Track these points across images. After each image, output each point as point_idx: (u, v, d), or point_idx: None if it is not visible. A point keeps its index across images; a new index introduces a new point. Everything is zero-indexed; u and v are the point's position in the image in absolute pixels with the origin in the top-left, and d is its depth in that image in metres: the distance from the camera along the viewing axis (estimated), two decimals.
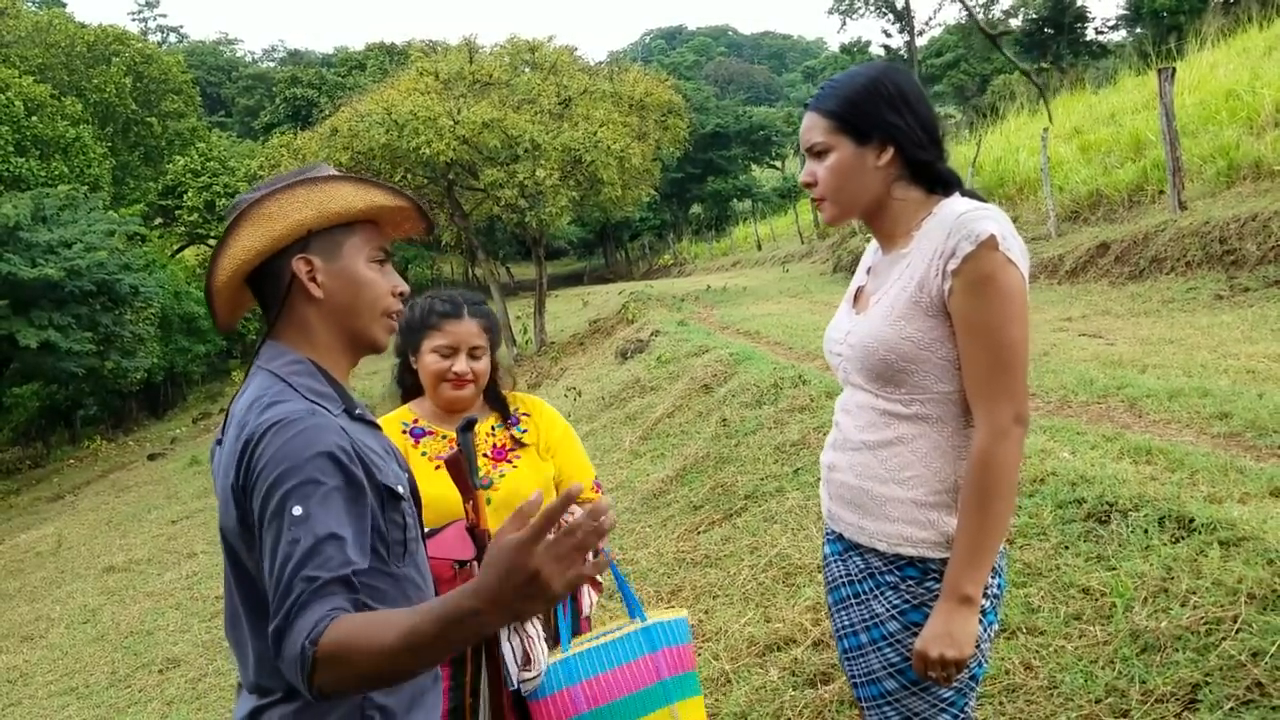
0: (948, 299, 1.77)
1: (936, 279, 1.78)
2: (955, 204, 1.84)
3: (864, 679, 1.93)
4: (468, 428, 2.01)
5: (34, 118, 31.35)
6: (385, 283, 1.69)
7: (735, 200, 51.87)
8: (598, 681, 2.32)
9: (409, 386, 2.57)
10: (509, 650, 2.27)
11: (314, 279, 1.63)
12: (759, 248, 34.58)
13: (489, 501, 2.34)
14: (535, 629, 2.32)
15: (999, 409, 1.74)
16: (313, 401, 1.56)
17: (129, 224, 27.03)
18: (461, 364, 2.41)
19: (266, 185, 1.66)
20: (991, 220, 1.75)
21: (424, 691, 1.68)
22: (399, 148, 17.71)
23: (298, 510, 1.41)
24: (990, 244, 1.72)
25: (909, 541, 1.85)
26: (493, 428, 2.54)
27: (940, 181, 1.90)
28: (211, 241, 38.59)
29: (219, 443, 1.64)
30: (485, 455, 2.47)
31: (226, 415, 1.64)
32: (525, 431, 2.58)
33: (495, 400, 2.61)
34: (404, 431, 2.48)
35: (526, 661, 2.27)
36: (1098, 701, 2.88)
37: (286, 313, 1.65)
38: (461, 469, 1.95)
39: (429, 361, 2.43)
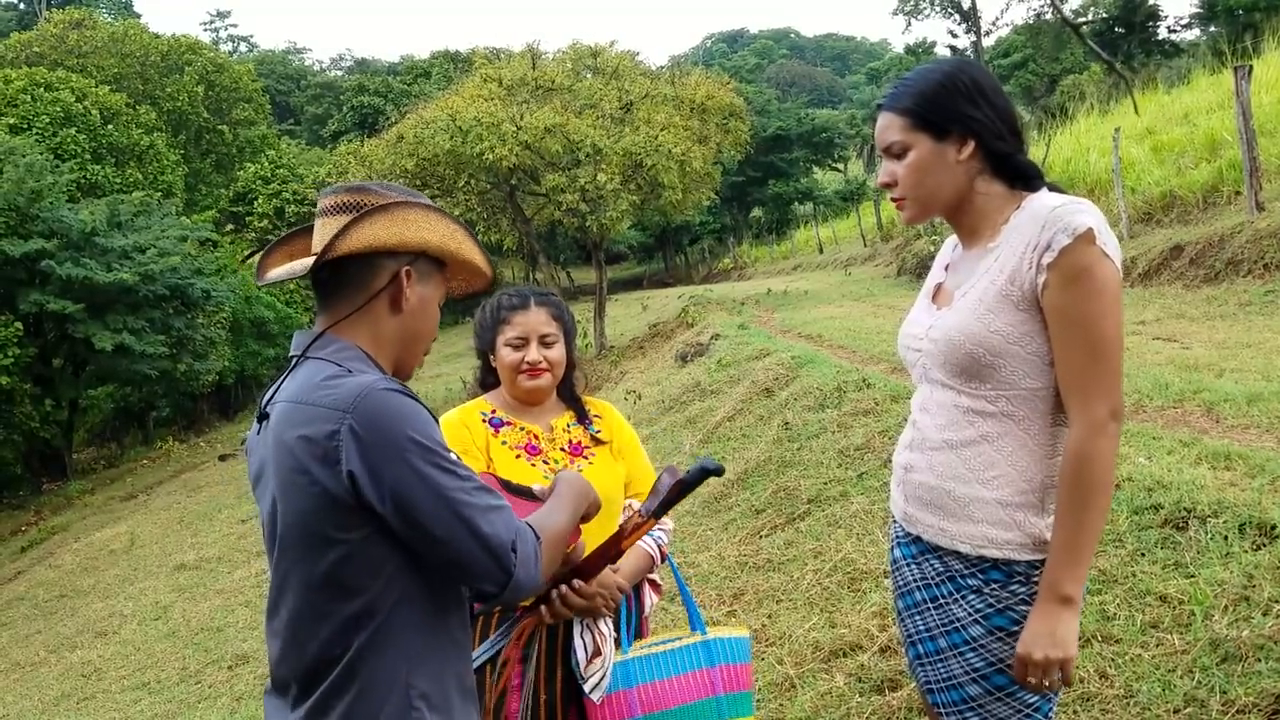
0: (1041, 293, 1.75)
1: (1029, 272, 1.75)
2: (1046, 198, 1.82)
3: (942, 684, 1.89)
4: (718, 472, 2.02)
5: (110, 126, 32.31)
6: (436, 326, 1.82)
7: (797, 203, 51.35)
8: (653, 688, 2.33)
9: (490, 387, 2.60)
10: (580, 645, 2.29)
11: (407, 292, 1.72)
12: (820, 251, 34.29)
13: None
14: (608, 628, 2.33)
15: (1095, 404, 1.71)
16: None
17: (201, 230, 27.65)
18: (534, 353, 2.42)
19: (400, 192, 1.73)
20: (1088, 214, 1.73)
21: (463, 692, 1.73)
22: (463, 153, 17.86)
23: (444, 462, 1.57)
24: (1087, 237, 1.70)
25: (994, 543, 1.82)
26: (568, 425, 2.56)
27: (1021, 175, 1.88)
28: None
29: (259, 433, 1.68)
30: (563, 449, 2.48)
31: (268, 403, 1.67)
32: (599, 431, 2.58)
33: (570, 398, 2.62)
34: (484, 420, 2.49)
35: (595, 655, 2.29)
36: (1176, 711, 2.81)
37: (364, 312, 1.70)
38: (673, 496, 2.00)
39: (503, 355, 2.45)
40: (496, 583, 1.58)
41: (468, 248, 1.78)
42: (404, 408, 1.57)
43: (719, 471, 2.01)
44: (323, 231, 1.71)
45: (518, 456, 2.43)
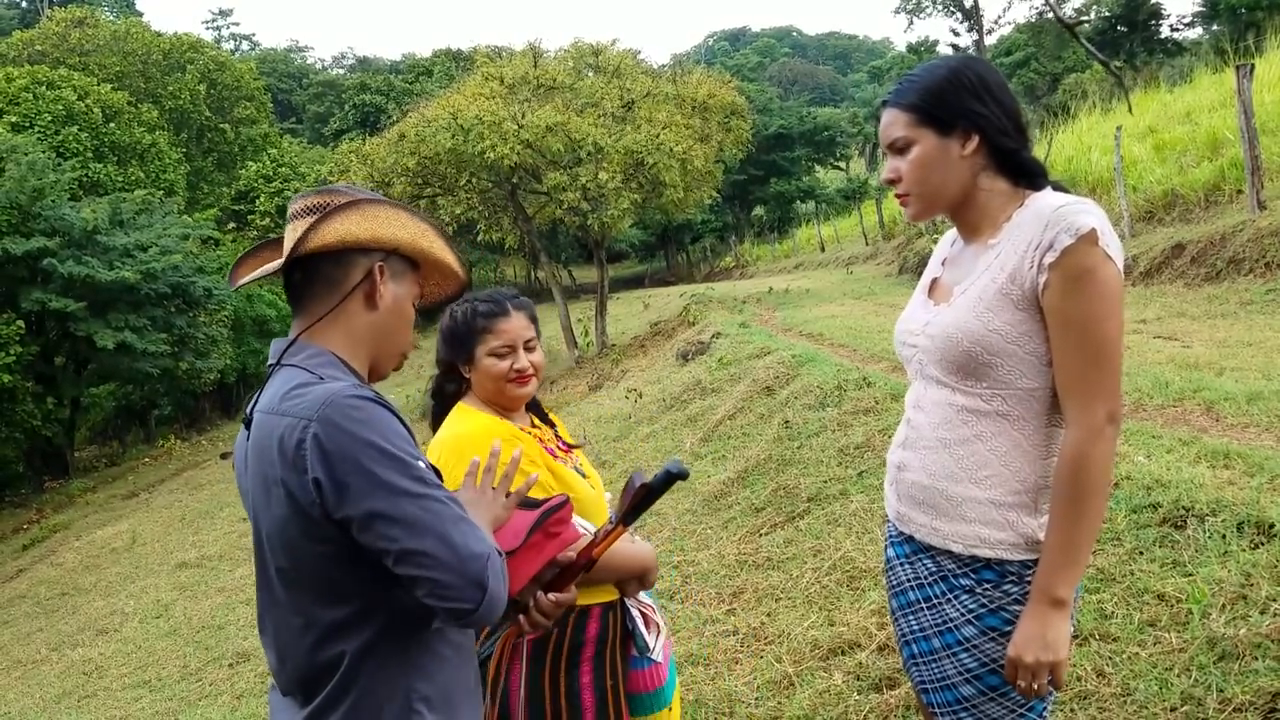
0: (1041, 293, 1.73)
1: (1031, 271, 1.74)
2: (1050, 197, 1.80)
3: (936, 685, 1.89)
4: (682, 475, 2.02)
5: (112, 124, 32.33)
6: (411, 329, 1.79)
7: (798, 202, 51.37)
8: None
9: (449, 396, 2.48)
10: (639, 620, 2.36)
11: (381, 288, 1.70)
12: (822, 249, 34.29)
13: (593, 489, 2.40)
14: (650, 598, 2.41)
15: (1093, 407, 1.70)
16: None
17: (203, 228, 27.66)
18: (521, 360, 2.38)
19: (367, 193, 1.72)
20: (1091, 214, 1.71)
21: (465, 693, 1.72)
22: (464, 152, 17.86)
23: (411, 469, 1.51)
24: (1090, 238, 1.69)
25: (986, 543, 1.81)
26: (534, 426, 2.51)
27: (1025, 172, 1.86)
28: None
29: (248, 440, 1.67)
30: (559, 449, 2.47)
31: (250, 412, 1.66)
32: (557, 429, 2.59)
33: (533, 403, 2.57)
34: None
35: (650, 624, 2.38)
36: (1173, 710, 2.81)
37: (339, 312, 1.68)
38: (640, 502, 1.99)
39: (487, 364, 2.37)
40: (470, 599, 1.47)
41: (439, 247, 1.76)
42: (371, 414, 1.53)
43: (684, 475, 2.00)
44: (292, 235, 1.68)
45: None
